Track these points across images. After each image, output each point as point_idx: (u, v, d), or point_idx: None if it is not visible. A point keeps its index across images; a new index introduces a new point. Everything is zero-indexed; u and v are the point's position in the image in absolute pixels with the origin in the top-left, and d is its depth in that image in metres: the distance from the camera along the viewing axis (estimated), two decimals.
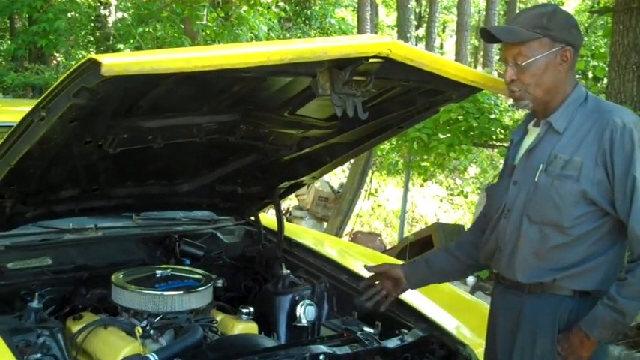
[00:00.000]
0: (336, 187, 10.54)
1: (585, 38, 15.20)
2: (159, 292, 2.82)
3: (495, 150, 7.70)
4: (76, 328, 2.74)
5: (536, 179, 2.34)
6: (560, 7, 2.46)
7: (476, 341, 2.77)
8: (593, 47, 12.49)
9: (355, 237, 8.95)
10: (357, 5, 20.60)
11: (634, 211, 2.20)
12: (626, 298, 2.20)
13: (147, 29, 12.74)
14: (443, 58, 2.55)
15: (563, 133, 2.34)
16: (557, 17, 2.33)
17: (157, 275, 2.96)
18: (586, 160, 2.27)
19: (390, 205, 11.17)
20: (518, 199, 2.39)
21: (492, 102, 7.04)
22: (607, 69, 5.99)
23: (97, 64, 1.77)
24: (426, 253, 2.79)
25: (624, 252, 2.41)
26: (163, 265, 3.13)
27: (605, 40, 8.84)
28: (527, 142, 2.45)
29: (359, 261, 3.48)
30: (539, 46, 2.30)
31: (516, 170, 2.44)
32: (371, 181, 9.80)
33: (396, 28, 20.44)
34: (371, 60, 2.15)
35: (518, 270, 2.39)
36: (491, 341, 2.56)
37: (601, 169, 2.25)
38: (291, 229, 3.81)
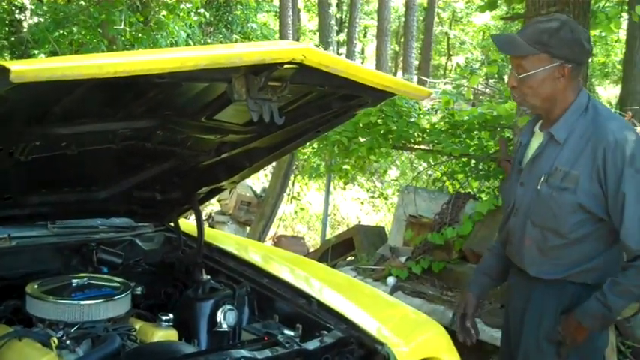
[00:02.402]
0: (258, 191, 10.53)
1: None
2: (75, 302, 2.76)
3: (414, 153, 7.83)
4: None
5: (538, 187, 2.52)
6: (570, 20, 2.50)
7: (394, 340, 2.83)
8: None
9: (278, 241, 8.97)
10: (278, 10, 20.62)
11: (624, 225, 2.38)
12: (615, 296, 2.41)
13: (63, 33, 12.41)
14: (357, 64, 2.61)
15: (563, 144, 2.48)
16: (560, 34, 2.42)
17: (74, 284, 2.90)
18: (582, 174, 2.43)
19: (313, 208, 11.26)
20: (524, 202, 2.60)
21: (411, 106, 7.17)
22: None
23: (5, 71, 1.72)
24: (482, 260, 3.04)
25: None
26: (80, 274, 3.08)
27: None
28: (534, 145, 2.61)
29: (281, 265, 3.50)
30: (538, 61, 2.42)
31: (523, 173, 2.62)
32: (293, 185, 9.85)
33: (317, 33, 20.58)
34: (285, 66, 2.18)
35: (527, 265, 2.63)
36: (505, 319, 2.84)
37: (596, 184, 2.42)
38: (213, 235, 3.79)
